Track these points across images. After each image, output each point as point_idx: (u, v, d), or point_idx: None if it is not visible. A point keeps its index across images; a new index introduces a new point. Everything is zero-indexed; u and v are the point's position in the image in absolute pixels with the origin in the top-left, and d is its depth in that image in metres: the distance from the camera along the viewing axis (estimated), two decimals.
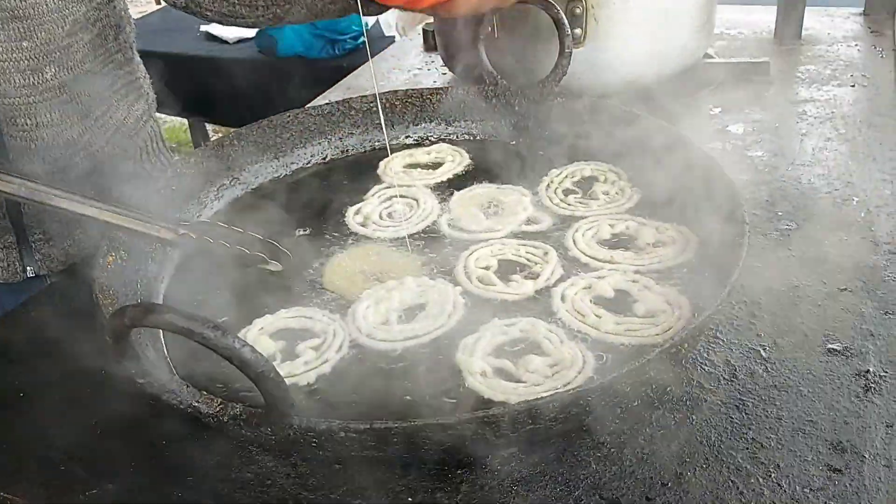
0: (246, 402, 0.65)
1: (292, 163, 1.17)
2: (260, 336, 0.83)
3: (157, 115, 1.29)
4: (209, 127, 3.56)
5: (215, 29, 2.92)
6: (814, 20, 1.65)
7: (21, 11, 0.97)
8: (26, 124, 1.04)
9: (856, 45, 1.54)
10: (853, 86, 1.37)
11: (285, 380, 0.60)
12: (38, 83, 1.03)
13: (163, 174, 1.05)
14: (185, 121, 4.08)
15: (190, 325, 0.54)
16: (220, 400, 0.65)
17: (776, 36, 1.57)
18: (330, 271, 0.94)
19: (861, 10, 1.67)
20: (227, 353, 0.54)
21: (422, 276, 0.90)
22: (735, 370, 0.80)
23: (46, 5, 0.99)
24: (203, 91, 2.66)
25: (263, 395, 0.58)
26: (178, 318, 0.54)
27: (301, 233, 1.02)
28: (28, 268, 1.12)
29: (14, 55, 0.99)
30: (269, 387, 0.57)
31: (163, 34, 2.95)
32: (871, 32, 1.59)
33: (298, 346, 0.82)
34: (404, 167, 1.13)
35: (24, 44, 0.99)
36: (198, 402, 0.64)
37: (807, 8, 1.59)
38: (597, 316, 0.82)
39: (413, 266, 0.94)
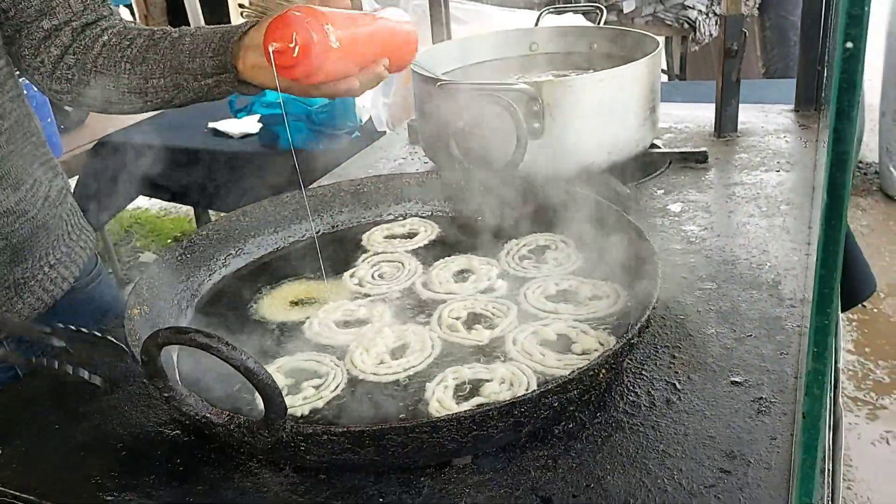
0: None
1: (289, 236, 1.36)
2: (276, 372, 1.00)
3: (169, 204, 1.47)
4: (213, 216, 3.78)
5: (221, 125, 3.17)
6: (750, 115, 1.87)
7: None
8: None
9: (785, 136, 1.75)
10: (778, 171, 1.57)
11: None
12: None
13: (179, 245, 1.23)
14: (191, 212, 4.32)
15: (208, 341, 0.71)
16: (227, 412, 0.81)
17: (715, 129, 1.79)
18: (265, 304, 1.13)
19: (792, 106, 1.90)
20: (235, 363, 0.71)
21: (395, 325, 1.08)
22: (654, 399, 0.96)
23: None
24: (209, 182, 2.89)
25: (263, 398, 0.74)
26: (200, 336, 0.71)
27: (301, 296, 1.20)
28: None
29: None
30: (268, 392, 0.73)
31: (173, 130, 3.21)
32: (800, 126, 1.81)
33: (302, 384, 0.98)
34: (384, 237, 1.33)
35: None
36: (210, 413, 0.81)
37: (745, 104, 1.82)
38: (541, 354, 0.99)
39: (334, 291, 1.18)
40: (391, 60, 1.15)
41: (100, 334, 1.02)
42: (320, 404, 0.95)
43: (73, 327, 1.01)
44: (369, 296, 1.17)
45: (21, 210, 1.24)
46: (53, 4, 1.22)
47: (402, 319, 1.11)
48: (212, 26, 1.21)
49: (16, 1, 1.20)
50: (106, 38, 1.23)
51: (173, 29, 1.22)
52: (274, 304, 1.18)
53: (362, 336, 1.05)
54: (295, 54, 1.00)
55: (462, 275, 1.21)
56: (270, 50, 1.01)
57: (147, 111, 1.27)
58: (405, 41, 1.21)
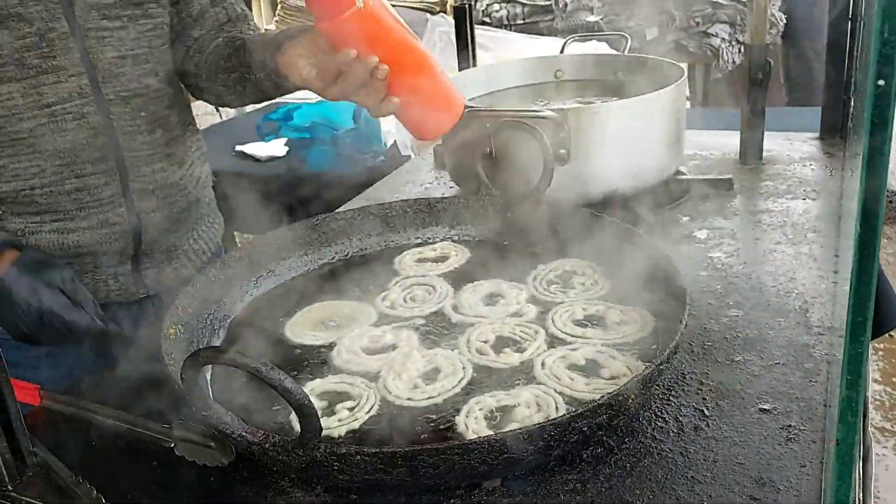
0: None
1: (319, 259, 1.38)
2: (309, 395, 1.01)
3: None
4: (238, 238, 3.82)
5: (248, 148, 3.22)
6: (775, 143, 1.88)
7: (141, 91, 1.35)
8: (145, 171, 1.37)
9: (810, 164, 1.76)
10: (804, 199, 1.58)
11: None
12: (152, 142, 1.38)
13: (212, 265, 1.26)
14: None
15: (247, 361, 0.73)
16: (262, 431, 0.83)
17: (741, 157, 1.80)
18: (292, 324, 1.18)
19: (817, 134, 1.91)
20: (273, 383, 0.73)
21: (422, 349, 1.09)
22: (682, 425, 0.97)
23: (154, 86, 1.37)
24: (235, 204, 2.93)
25: (299, 417, 0.76)
26: (239, 357, 0.73)
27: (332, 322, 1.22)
28: (141, 290, 1.43)
29: (136, 122, 1.34)
30: (304, 411, 0.75)
31: None
32: (825, 154, 1.82)
33: (337, 406, 0.99)
34: (416, 261, 1.35)
35: (142, 114, 1.35)
36: (245, 432, 0.82)
37: (770, 132, 1.83)
38: (570, 378, 1.00)
39: (366, 313, 1.21)
40: (412, 99, 1.18)
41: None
42: (356, 425, 0.96)
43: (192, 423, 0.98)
44: (400, 318, 1.19)
45: (183, 185, 1.45)
46: (206, 16, 1.45)
47: (430, 343, 1.12)
48: (276, 31, 1.40)
49: (178, 10, 1.42)
50: (220, 41, 1.43)
51: (259, 33, 1.45)
52: (304, 326, 1.19)
53: (392, 361, 1.07)
54: None
55: (491, 298, 1.22)
56: None
57: (238, 105, 1.55)
58: (440, 92, 1.21)
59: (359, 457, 0.79)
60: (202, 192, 1.54)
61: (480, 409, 0.94)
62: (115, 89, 1.31)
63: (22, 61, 1.22)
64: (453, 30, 2.20)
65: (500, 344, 1.10)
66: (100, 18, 1.28)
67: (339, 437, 0.94)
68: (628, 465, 0.91)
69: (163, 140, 1.40)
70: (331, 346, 1.13)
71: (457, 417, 0.94)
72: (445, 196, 1.49)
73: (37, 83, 1.24)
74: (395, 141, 2.94)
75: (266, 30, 5.20)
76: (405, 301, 1.23)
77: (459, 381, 1.01)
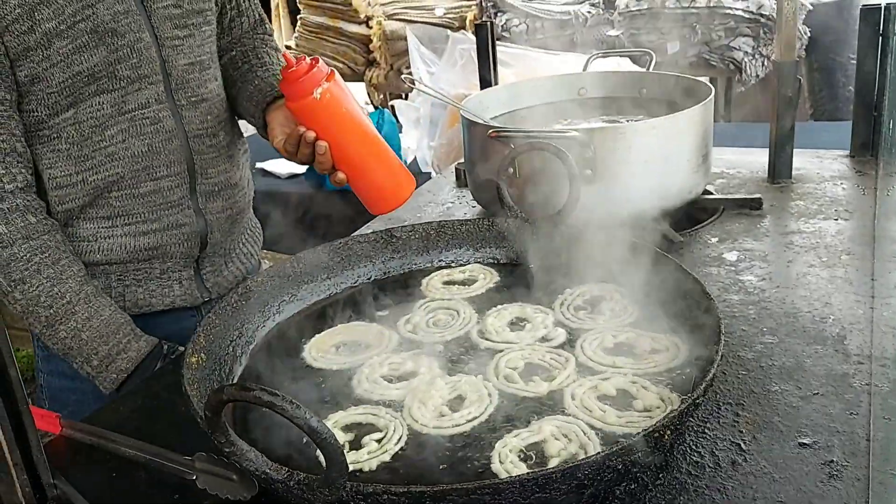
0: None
1: (342, 282, 1.36)
2: (334, 427, 0.98)
3: None
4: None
5: (269, 165, 3.22)
6: (805, 161, 1.84)
7: (205, 95, 1.43)
8: (211, 173, 1.45)
9: (842, 183, 1.72)
10: (837, 219, 1.54)
11: (350, 466, 0.75)
12: (216, 144, 1.46)
13: (234, 291, 1.24)
14: None
15: (273, 399, 0.71)
16: (287, 469, 0.80)
17: (769, 175, 1.76)
18: (312, 346, 1.18)
19: (848, 152, 1.87)
20: (299, 422, 0.71)
21: (445, 376, 1.07)
22: (718, 460, 0.93)
23: (216, 91, 1.47)
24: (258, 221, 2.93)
25: (325, 457, 0.73)
26: (265, 394, 0.71)
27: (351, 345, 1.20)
28: (204, 294, 1.50)
29: (203, 125, 1.43)
30: (330, 451, 0.72)
31: None
32: (857, 173, 1.78)
33: (364, 439, 0.96)
34: (443, 284, 1.33)
35: (209, 117, 1.44)
36: (269, 469, 0.80)
37: (800, 150, 1.79)
38: (602, 411, 0.97)
39: (388, 337, 1.19)
40: (360, 177, 1.35)
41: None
42: (387, 458, 0.93)
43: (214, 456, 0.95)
44: (422, 343, 1.16)
45: (240, 186, 1.54)
46: (234, 25, 1.55)
47: (453, 370, 1.09)
48: (270, 83, 1.48)
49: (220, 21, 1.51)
50: (234, 53, 1.55)
51: (260, 64, 1.52)
52: (325, 351, 1.17)
53: (415, 389, 1.04)
54: (291, 69, 1.27)
55: (518, 323, 1.19)
56: (291, 56, 1.29)
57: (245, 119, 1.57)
58: (387, 175, 1.37)
59: (386, 496, 0.77)
60: (250, 195, 1.62)
61: (511, 451, 0.91)
62: (186, 94, 1.39)
63: (114, 73, 1.29)
64: (474, 46, 2.19)
65: (529, 371, 1.07)
66: (172, 28, 1.36)
67: (370, 470, 0.91)
68: (663, 502, 0.88)
69: (224, 142, 1.48)
70: (352, 372, 1.11)
71: (492, 465, 0.90)
72: (469, 218, 1.46)
73: (124, 93, 1.31)
74: (414, 157, 2.93)
75: (287, 46, 5.23)
76: (427, 325, 1.21)
77: (486, 408, 0.98)
